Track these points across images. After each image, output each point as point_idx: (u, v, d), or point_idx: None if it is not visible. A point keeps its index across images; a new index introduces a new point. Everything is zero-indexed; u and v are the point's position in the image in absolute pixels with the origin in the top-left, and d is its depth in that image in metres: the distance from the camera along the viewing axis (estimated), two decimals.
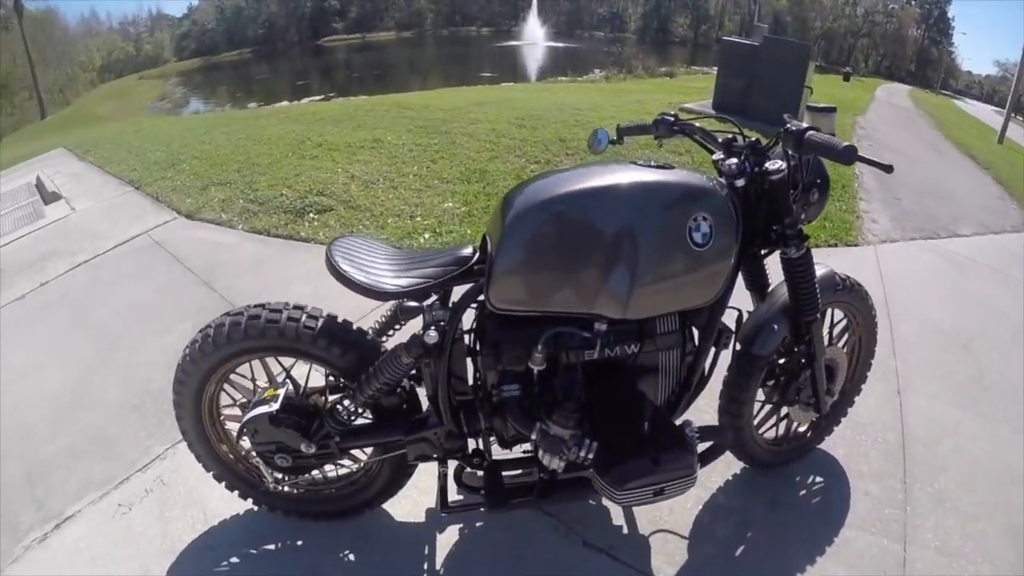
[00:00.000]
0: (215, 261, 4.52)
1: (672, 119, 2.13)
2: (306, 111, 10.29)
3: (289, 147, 7.25)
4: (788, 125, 1.75)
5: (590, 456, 1.76)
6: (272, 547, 2.25)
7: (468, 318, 1.94)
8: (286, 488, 2.21)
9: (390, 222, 4.73)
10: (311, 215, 5.03)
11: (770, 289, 2.18)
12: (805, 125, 1.71)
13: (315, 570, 2.18)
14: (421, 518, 2.34)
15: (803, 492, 2.57)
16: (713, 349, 2.02)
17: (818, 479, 2.62)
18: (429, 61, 38.89)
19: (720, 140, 1.96)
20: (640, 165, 1.76)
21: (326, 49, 47.36)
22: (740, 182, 1.82)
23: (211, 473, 2.23)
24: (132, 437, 2.90)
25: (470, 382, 1.99)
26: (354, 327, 2.01)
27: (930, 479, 2.66)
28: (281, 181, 5.94)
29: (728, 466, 2.59)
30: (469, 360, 1.98)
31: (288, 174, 6.15)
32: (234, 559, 2.21)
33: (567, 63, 29.24)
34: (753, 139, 1.88)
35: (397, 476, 2.21)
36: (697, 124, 2.10)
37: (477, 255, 1.87)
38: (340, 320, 1.99)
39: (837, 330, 2.47)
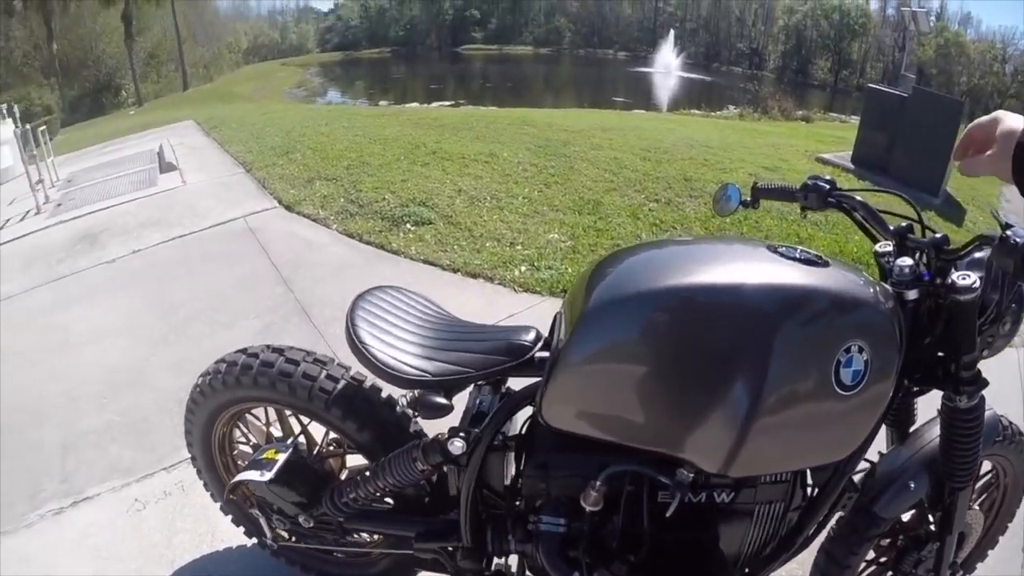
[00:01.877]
0: (301, 259, 4.51)
1: (827, 186, 1.62)
2: (428, 116, 10.41)
3: (403, 150, 7.29)
4: (1009, 233, 1.19)
5: None
6: None
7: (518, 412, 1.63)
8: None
9: (487, 246, 4.56)
10: (408, 226, 4.95)
11: (914, 428, 1.69)
12: None
13: None
14: None
15: None
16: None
17: None
18: (563, 79, 39.21)
19: (892, 228, 1.46)
20: (781, 254, 1.32)
21: (463, 57, 48.77)
22: (912, 294, 1.34)
23: (218, 504, 2.07)
24: (168, 432, 2.85)
25: (504, 493, 1.62)
26: (382, 396, 1.73)
27: None
28: (386, 185, 5.94)
29: None
30: (508, 466, 1.62)
31: (395, 178, 6.15)
32: None
33: (701, 96, 28.62)
34: (939, 235, 1.39)
35: (409, 562, 1.90)
36: (859, 197, 1.58)
37: (541, 343, 1.51)
38: (366, 385, 1.72)
39: (978, 485, 1.94)
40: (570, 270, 4.09)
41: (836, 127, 15.26)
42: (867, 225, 1.57)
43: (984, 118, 1.08)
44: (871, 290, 1.30)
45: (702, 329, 1.25)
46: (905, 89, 9.05)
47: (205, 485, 2.05)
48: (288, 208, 5.62)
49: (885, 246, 1.47)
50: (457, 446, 1.48)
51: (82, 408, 3.11)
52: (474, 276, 4.10)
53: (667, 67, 37.76)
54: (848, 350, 1.21)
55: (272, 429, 1.92)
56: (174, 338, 3.62)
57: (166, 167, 7.79)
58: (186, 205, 6.12)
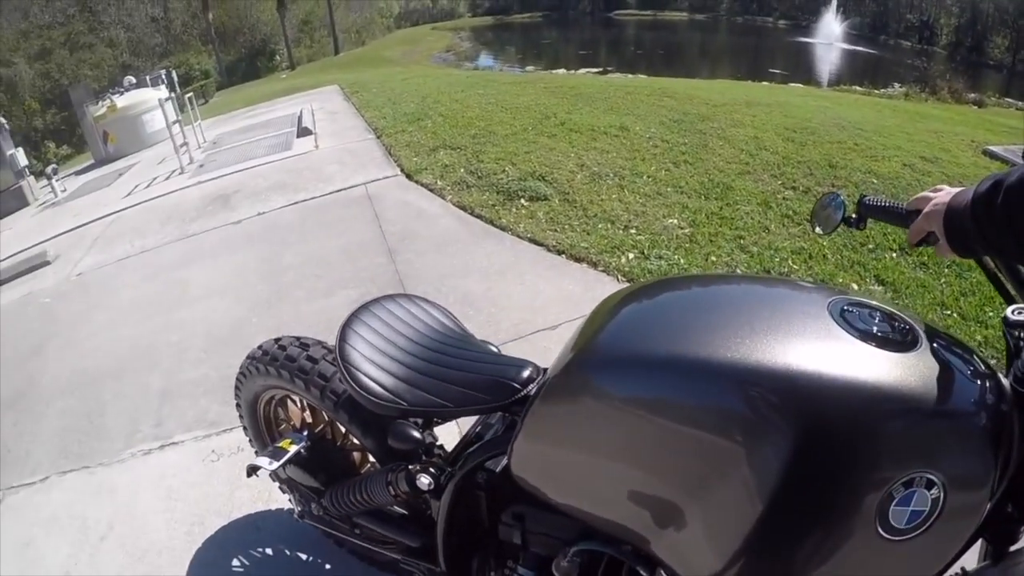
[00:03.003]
0: (409, 230, 4.63)
1: None
2: (565, 84, 10.32)
3: (532, 120, 7.30)
4: None
5: None
6: (303, 556, 2.21)
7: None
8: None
9: (599, 228, 4.45)
10: (522, 201, 4.94)
11: (1015, 548, 1.12)
12: None
13: None
14: None
15: None
16: None
17: None
18: (718, 48, 37.55)
19: None
20: (848, 321, 1.00)
21: (616, 22, 47.85)
22: None
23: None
24: None
25: (485, 529, 1.49)
26: None
27: None
28: (508, 156, 5.97)
29: None
30: (489, 502, 1.47)
31: (518, 150, 6.16)
32: (268, 550, 2.25)
33: (864, 71, 26.08)
34: None
35: None
36: None
37: (536, 381, 1.32)
38: None
39: None
40: (683, 262, 3.91)
41: (1012, 115, 13.55)
42: (1000, 277, 1.16)
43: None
44: (973, 395, 0.95)
45: (711, 416, 0.99)
46: None
47: (256, 453, 2.16)
48: (408, 176, 5.78)
49: (1020, 313, 1.06)
50: (423, 482, 1.44)
51: (185, 360, 3.44)
52: (578, 260, 4.00)
53: (830, 38, 35.22)
54: (910, 483, 0.88)
55: (306, 415, 1.99)
56: (276, 301, 3.86)
57: (302, 131, 8.24)
58: (314, 170, 6.45)
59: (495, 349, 1.57)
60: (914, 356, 0.95)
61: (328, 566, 2.17)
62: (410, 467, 1.47)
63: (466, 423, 1.67)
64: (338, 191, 5.66)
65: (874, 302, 1.07)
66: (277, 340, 1.84)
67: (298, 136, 8.15)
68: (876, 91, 16.16)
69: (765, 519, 0.93)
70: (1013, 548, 1.20)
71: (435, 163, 5.99)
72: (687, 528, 1.02)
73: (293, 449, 1.78)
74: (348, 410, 1.66)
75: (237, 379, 1.98)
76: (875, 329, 0.99)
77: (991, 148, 7.71)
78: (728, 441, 0.96)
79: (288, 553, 2.22)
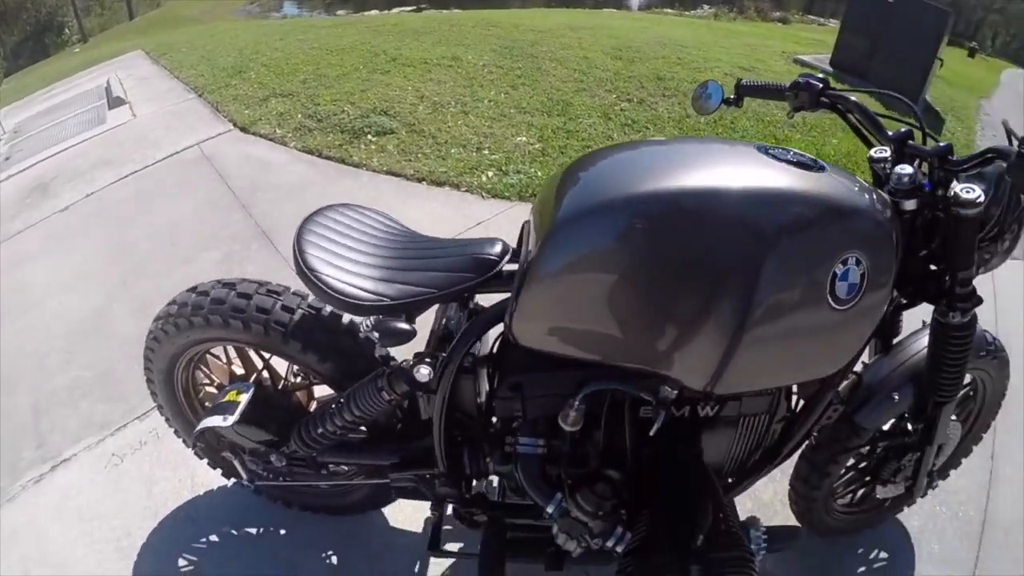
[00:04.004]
0: (258, 182, 4.37)
1: (820, 85, 1.54)
2: (387, 22, 9.98)
3: (362, 59, 7.02)
4: None
5: (617, 550, 1.40)
6: (252, 531, 2.09)
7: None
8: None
9: (453, 152, 4.42)
10: (369, 137, 4.79)
11: (898, 340, 1.62)
12: None
13: (292, 566, 2.01)
14: (418, 527, 2.05)
15: (861, 569, 2.13)
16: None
17: (882, 555, 2.16)
18: None
19: (891, 133, 1.38)
20: (772, 155, 1.21)
21: None
22: (910, 204, 1.26)
23: (192, 449, 1.94)
24: (136, 379, 2.71)
25: (478, 415, 1.54)
26: (343, 324, 1.63)
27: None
28: (345, 96, 5.73)
29: (782, 521, 2.12)
30: (481, 387, 1.53)
31: (354, 89, 5.93)
32: (213, 536, 2.08)
33: None
34: (943, 144, 1.29)
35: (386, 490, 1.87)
36: (854, 98, 1.49)
37: (508, 255, 1.42)
38: (325, 314, 1.62)
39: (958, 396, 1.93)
40: (540, 173, 3.99)
41: (814, 30, 14.92)
42: (862, 128, 1.49)
43: None
44: (870, 198, 1.20)
45: (686, 238, 1.15)
46: None
47: (176, 432, 2.01)
48: (243, 130, 5.43)
49: (881, 152, 1.39)
50: (423, 373, 1.42)
51: (49, 367, 3.06)
52: (440, 184, 3.98)
53: None
54: (845, 262, 1.14)
55: (234, 367, 1.85)
56: (133, 280, 3.54)
57: (115, 102, 7.51)
58: (138, 139, 5.91)
59: None
60: (828, 175, 1.20)
61: (283, 531, 2.08)
62: (404, 363, 1.45)
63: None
64: (170, 156, 5.21)
65: (781, 147, 1.29)
66: (193, 289, 1.67)
67: (110, 108, 7.40)
68: (687, 13, 16.87)
69: (754, 310, 1.13)
70: (896, 340, 1.60)
71: (269, 112, 5.65)
72: (689, 338, 1.19)
73: (244, 399, 1.64)
74: (300, 337, 1.57)
75: (147, 347, 1.79)
76: (793, 159, 1.21)
77: (801, 57, 8.50)
78: (716, 253, 1.14)
79: (236, 533, 2.09)
